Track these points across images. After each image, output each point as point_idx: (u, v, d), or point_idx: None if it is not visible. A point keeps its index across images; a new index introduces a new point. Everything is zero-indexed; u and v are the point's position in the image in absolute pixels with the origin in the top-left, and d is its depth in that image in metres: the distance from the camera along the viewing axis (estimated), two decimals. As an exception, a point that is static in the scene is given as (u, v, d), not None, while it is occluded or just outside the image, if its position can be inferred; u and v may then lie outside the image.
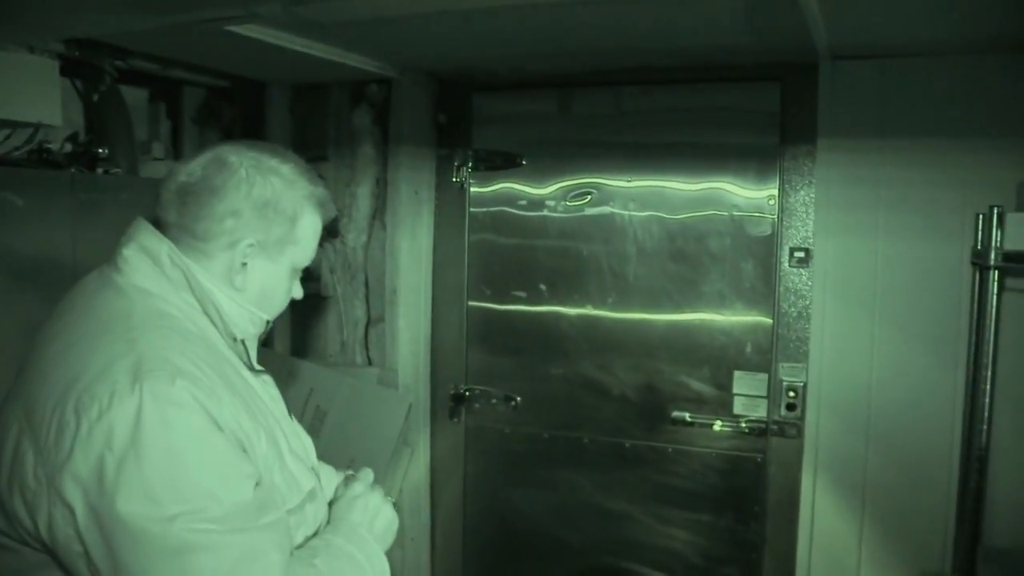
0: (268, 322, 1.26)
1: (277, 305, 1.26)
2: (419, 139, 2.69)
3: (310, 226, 1.21)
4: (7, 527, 1.01)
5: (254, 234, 1.15)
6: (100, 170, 2.28)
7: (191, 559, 0.94)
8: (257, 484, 1.05)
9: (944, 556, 2.24)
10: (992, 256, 1.92)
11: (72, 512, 0.95)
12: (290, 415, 1.31)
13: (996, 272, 1.93)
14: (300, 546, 1.16)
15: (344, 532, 1.21)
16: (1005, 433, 2.14)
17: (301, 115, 2.76)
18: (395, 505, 1.34)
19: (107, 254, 1.55)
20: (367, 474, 1.35)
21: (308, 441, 1.34)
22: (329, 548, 1.15)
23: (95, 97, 2.29)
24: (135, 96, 2.57)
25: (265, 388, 1.23)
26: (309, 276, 2.04)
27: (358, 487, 1.30)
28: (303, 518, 1.18)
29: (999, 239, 1.92)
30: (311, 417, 2.57)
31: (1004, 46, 2.10)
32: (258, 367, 1.24)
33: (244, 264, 1.16)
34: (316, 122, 2.74)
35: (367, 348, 2.69)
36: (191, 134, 2.72)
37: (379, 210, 2.68)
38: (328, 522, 1.25)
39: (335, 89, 2.71)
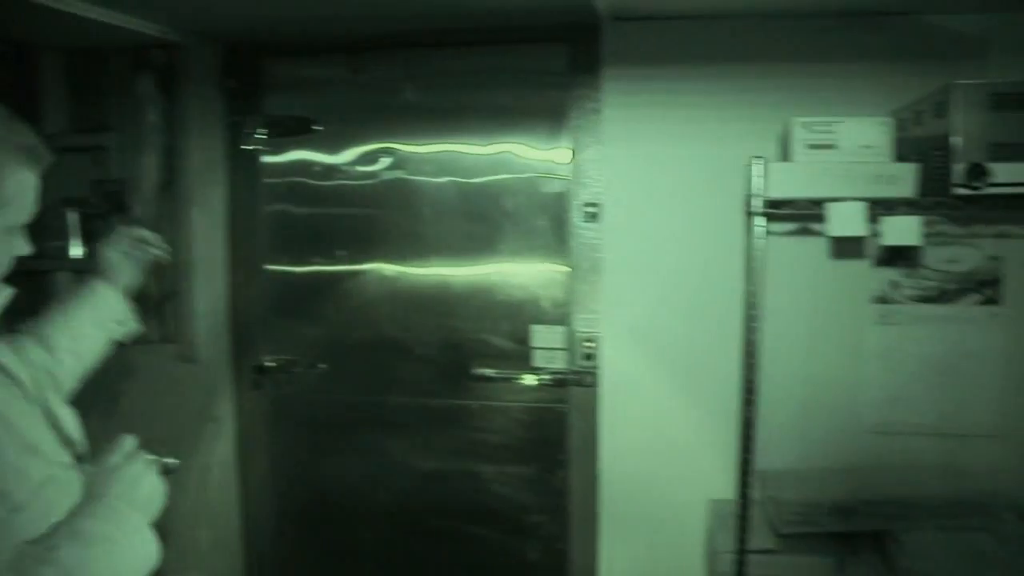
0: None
1: None
2: (208, 106, 2.68)
3: (19, 182, 1.16)
4: None
5: None
6: None
7: None
8: None
9: (732, 484, 2.49)
10: (757, 203, 2.15)
11: None
12: (32, 399, 1.26)
13: (761, 217, 2.17)
14: (45, 535, 1.11)
15: (97, 512, 1.16)
16: (779, 364, 2.43)
17: (79, 81, 2.69)
18: (168, 467, 1.31)
19: None
20: (125, 442, 1.30)
21: (70, 417, 1.32)
22: (75, 535, 1.10)
23: None
24: None
25: None
26: (92, 252, 2.07)
27: (115, 458, 1.26)
28: (41, 510, 1.13)
29: (763, 188, 2.17)
30: (104, 400, 2.57)
31: (765, 12, 2.36)
32: None
33: None
34: (96, 89, 2.67)
35: (163, 324, 2.72)
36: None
37: (169, 180, 2.69)
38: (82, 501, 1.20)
39: (115, 55, 2.66)
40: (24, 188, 1.17)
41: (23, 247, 1.25)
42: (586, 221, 2.55)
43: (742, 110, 2.42)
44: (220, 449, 2.75)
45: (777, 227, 2.41)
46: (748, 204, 2.17)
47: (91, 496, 1.20)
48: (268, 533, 2.90)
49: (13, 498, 1.09)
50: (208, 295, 2.72)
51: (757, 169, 2.13)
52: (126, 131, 2.66)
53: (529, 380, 2.65)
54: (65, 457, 1.25)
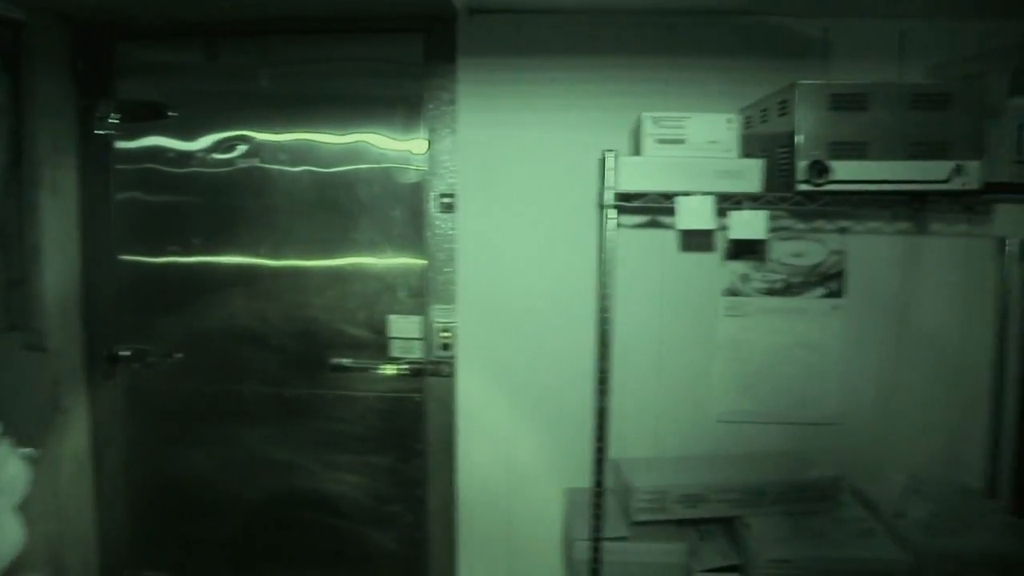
0: None
1: None
2: (57, 88, 2.64)
3: None
4: None
5: None
6: None
7: None
8: None
9: (585, 472, 2.59)
10: (607, 196, 2.22)
11: None
12: None
13: (612, 210, 2.23)
14: None
15: None
16: (631, 354, 2.55)
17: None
18: (30, 455, 1.36)
19: None
20: None
21: None
22: None
23: None
24: None
25: None
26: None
27: None
28: None
29: (613, 181, 2.24)
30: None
31: (619, 8, 2.44)
32: None
33: None
34: (-66, 69, 2.65)
35: (8, 312, 2.69)
36: None
37: (15, 164, 2.67)
38: None
39: (-46, 32, 2.64)
40: None
41: None
42: (442, 212, 2.60)
43: (595, 104, 2.51)
44: (72, 441, 2.74)
45: (628, 220, 2.49)
46: (600, 197, 2.23)
47: None
48: (123, 525, 2.89)
49: None
50: (58, 282, 2.68)
51: (609, 162, 2.19)
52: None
53: (386, 370, 2.69)
54: None
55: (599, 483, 2.30)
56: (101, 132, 2.70)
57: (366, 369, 2.68)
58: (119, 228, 2.76)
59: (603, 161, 2.18)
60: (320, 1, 2.42)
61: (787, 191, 2.06)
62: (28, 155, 2.60)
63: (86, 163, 2.74)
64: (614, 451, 2.45)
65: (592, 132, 2.49)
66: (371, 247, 2.64)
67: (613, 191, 2.20)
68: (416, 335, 2.64)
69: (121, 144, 2.72)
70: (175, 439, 2.83)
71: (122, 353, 2.79)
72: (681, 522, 2.34)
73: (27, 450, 1.35)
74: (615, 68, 2.49)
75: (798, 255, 2.55)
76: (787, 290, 2.54)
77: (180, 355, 2.78)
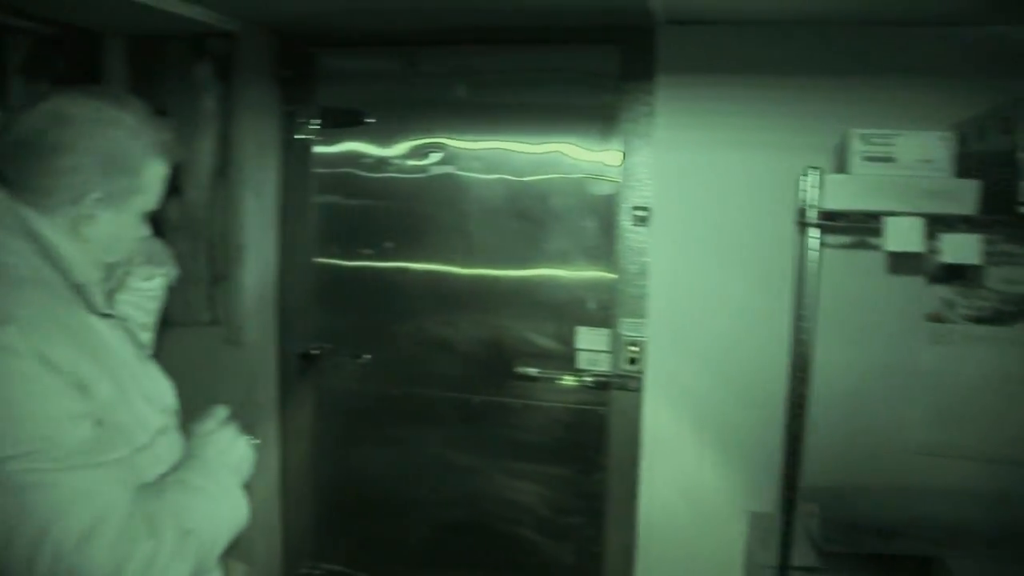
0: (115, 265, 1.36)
1: (125, 248, 1.37)
2: (263, 95, 2.76)
3: (155, 173, 1.29)
4: None
5: (99, 188, 1.21)
6: None
7: (26, 498, 1.02)
8: (98, 423, 1.13)
9: (773, 497, 2.51)
10: (811, 214, 2.16)
11: None
12: (144, 357, 1.40)
13: (815, 229, 2.17)
14: (153, 483, 1.25)
15: (196, 467, 1.31)
16: (826, 378, 2.41)
17: (140, 68, 2.80)
18: (254, 441, 1.45)
19: None
20: (219, 411, 1.44)
21: (165, 383, 1.43)
22: (180, 483, 1.26)
23: None
24: None
25: (112, 331, 1.30)
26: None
27: (210, 424, 1.40)
28: (155, 456, 1.27)
29: (818, 199, 2.18)
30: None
31: (822, 19, 2.36)
32: (105, 310, 1.31)
33: (91, 217, 1.22)
34: (155, 76, 2.77)
35: (212, 307, 2.85)
36: (17, 85, 2.79)
37: (222, 167, 2.81)
38: (183, 459, 1.35)
39: (175, 42, 2.74)
40: (157, 178, 1.31)
41: (145, 230, 1.40)
42: (634, 224, 2.59)
43: (797, 119, 2.43)
44: (262, 434, 2.87)
45: (828, 240, 2.42)
46: (801, 215, 2.17)
47: (190, 455, 1.35)
48: (306, 518, 3.00)
49: (137, 440, 1.23)
50: (256, 280, 2.81)
51: (812, 180, 2.13)
52: (183, 117, 2.77)
53: (571, 381, 2.70)
54: (171, 415, 1.40)
55: (789, 510, 2.24)
56: (302, 137, 2.80)
57: (551, 379, 2.70)
58: (315, 230, 2.87)
59: (805, 178, 2.12)
60: (517, 13, 2.44)
61: (1006, 213, 1.95)
62: (235, 158, 2.74)
63: (287, 167, 2.85)
64: (804, 476, 2.39)
65: (791, 149, 2.40)
66: (562, 257, 2.66)
67: (816, 209, 2.13)
68: (603, 348, 2.65)
69: (320, 149, 2.83)
70: (360, 438, 2.92)
71: (313, 352, 2.89)
72: (873, 557, 2.23)
73: (252, 438, 1.45)
74: (816, 82, 2.41)
75: (1012, 281, 2.43)
76: (998, 318, 2.42)
77: (369, 356, 2.86)
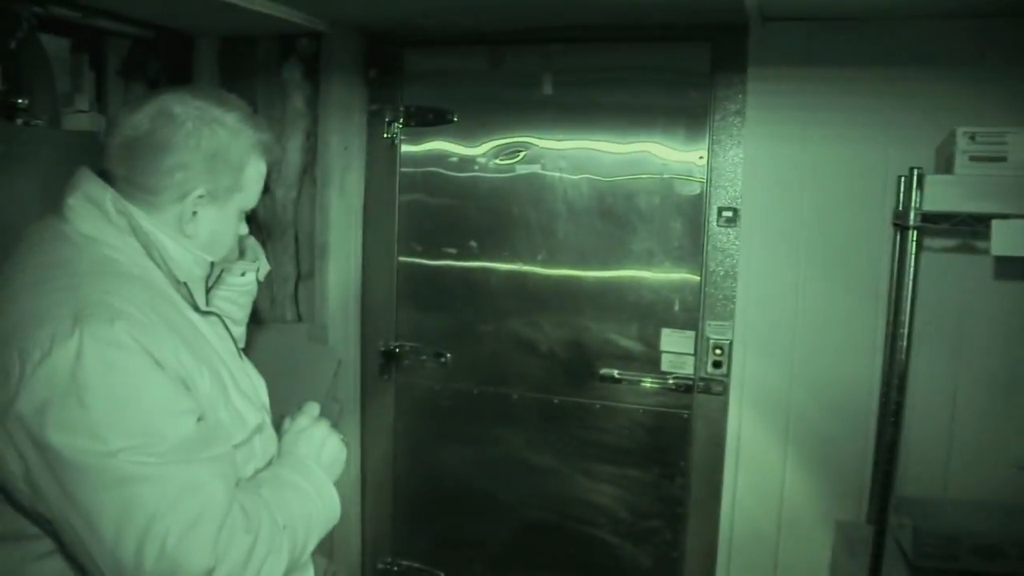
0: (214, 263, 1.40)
1: (226, 247, 1.40)
2: (350, 94, 2.81)
3: (256, 172, 1.32)
4: None
5: (203, 185, 1.25)
6: (20, 121, 2.35)
7: (134, 490, 1.03)
8: (200, 419, 1.16)
9: (860, 507, 2.46)
10: (911, 216, 2.08)
11: (20, 452, 1.06)
12: (240, 355, 1.44)
13: (915, 232, 2.08)
14: (249, 479, 1.29)
15: (290, 464, 1.34)
16: (921, 387, 2.36)
17: (230, 68, 2.89)
18: (343, 439, 1.48)
19: (41, 206, 1.73)
20: (312, 407, 1.47)
21: (259, 380, 1.46)
22: (275, 479, 1.29)
23: (12, 44, 2.34)
24: (56, 46, 2.65)
25: (212, 328, 1.35)
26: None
27: (303, 420, 1.43)
28: (251, 452, 1.31)
29: (919, 200, 2.10)
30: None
31: (923, 12, 2.27)
32: (205, 308, 1.36)
33: (194, 213, 1.26)
34: (245, 75, 2.86)
35: (297, 304, 2.90)
36: (116, 86, 2.88)
37: (309, 165, 2.85)
38: (277, 456, 1.38)
39: (264, 42, 2.83)
40: (258, 178, 1.34)
41: (244, 227, 1.44)
42: (722, 225, 2.56)
43: (895, 117, 2.37)
44: (345, 431, 2.91)
45: (929, 242, 2.36)
46: (900, 217, 2.12)
47: (284, 452, 1.39)
48: (385, 514, 3.04)
49: (235, 437, 1.27)
50: (341, 278, 2.86)
51: (912, 180, 2.06)
52: (271, 116, 2.83)
53: (654, 384, 2.69)
54: (265, 412, 1.43)
55: (882, 521, 2.18)
56: (387, 136, 2.83)
57: (634, 381, 2.69)
58: (400, 229, 2.90)
59: (906, 179, 2.05)
60: (605, 10, 2.43)
61: None
62: (321, 157, 2.78)
63: (372, 165, 2.90)
64: (896, 487, 2.33)
65: (887, 148, 2.36)
66: (647, 258, 2.65)
67: (917, 211, 2.07)
68: (688, 350, 2.63)
69: (406, 148, 2.86)
70: (440, 436, 2.95)
71: (396, 349, 2.93)
72: (970, 574, 2.14)
73: (343, 436, 1.47)
74: (915, 78, 2.34)
75: None
76: (1109, 328, 2.33)
77: (450, 355, 2.88)
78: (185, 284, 1.32)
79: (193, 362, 1.20)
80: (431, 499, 2.98)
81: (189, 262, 1.32)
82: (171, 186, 1.23)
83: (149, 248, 1.26)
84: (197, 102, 1.24)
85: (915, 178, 2.04)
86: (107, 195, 1.24)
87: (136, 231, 1.25)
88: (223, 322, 1.41)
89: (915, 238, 2.07)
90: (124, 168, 1.26)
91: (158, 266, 1.27)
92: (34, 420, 1.05)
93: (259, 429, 1.34)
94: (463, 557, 2.96)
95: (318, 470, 1.37)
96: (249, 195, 1.34)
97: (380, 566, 3.01)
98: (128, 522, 1.05)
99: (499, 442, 2.85)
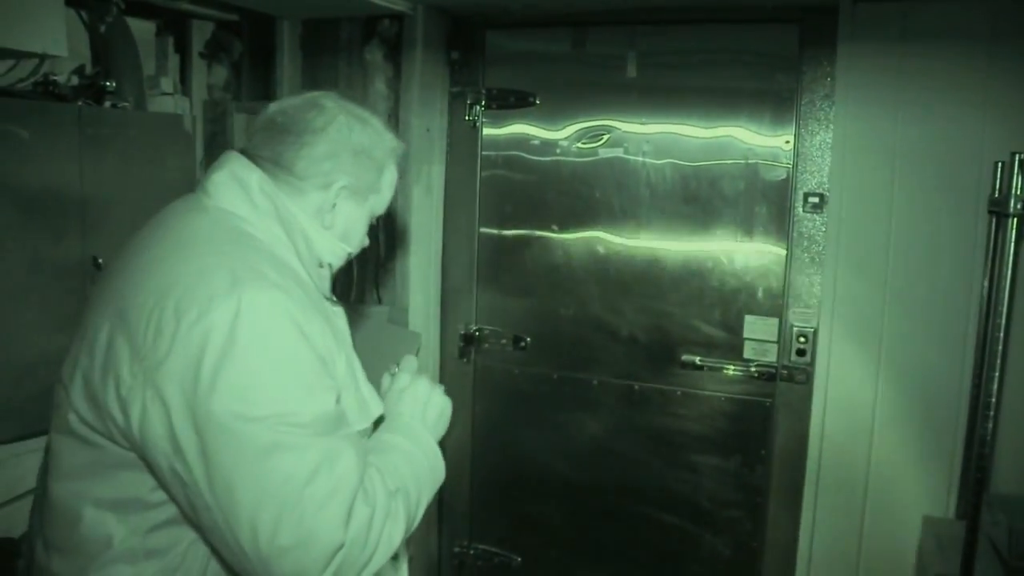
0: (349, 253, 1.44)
1: (356, 245, 1.44)
2: (431, 76, 2.84)
3: (391, 177, 1.40)
4: (96, 420, 1.16)
5: (347, 177, 1.30)
6: (108, 104, 2.43)
7: (278, 457, 1.05)
8: (337, 400, 1.20)
9: (948, 502, 2.43)
10: (1012, 203, 2.03)
11: (167, 409, 1.06)
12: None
13: (1015, 220, 2.04)
14: None
15: (395, 427, 1.35)
16: (1015, 380, 2.32)
17: (312, 50, 2.94)
18: (446, 392, 1.47)
19: (116, 187, 1.79)
20: (410, 362, 1.48)
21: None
22: (381, 444, 1.31)
23: (102, 28, 2.42)
24: (142, 29, 2.73)
25: (338, 316, 1.38)
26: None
27: (404, 378, 1.43)
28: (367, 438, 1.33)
29: (1019, 186, 2.05)
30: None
31: None
32: (331, 297, 1.40)
33: (334, 205, 1.31)
34: (327, 57, 2.91)
35: (377, 288, 2.97)
36: (199, 68, 2.96)
37: (392, 148, 2.92)
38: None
39: (346, 24, 2.87)
40: (391, 184, 1.42)
41: (367, 239, 1.49)
42: (809, 211, 2.56)
43: (988, 99, 2.33)
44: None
45: (1026, 231, 2.32)
46: (998, 204, 2.09)
47: (389, 413, 1.40)
48: (463, 498, 3.09)
49: (359, 423, 1.30)
50: (421, 262, 2.90)
51: (1014, 165, 2.01)
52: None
53: (737, 371, 2.70)
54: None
55: (975, 518, 2.15)
56: (469, 119, 2.87)
57: (717, 368, 2.70)
58: (479, 212, 2.94)
59: (1007, 164, 2.01)
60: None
61: None
62: (403, 139, 2.81)
63: (453, 148, 2.94)
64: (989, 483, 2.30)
65: (982, 131, 2.32)
66: (731, 244, 2.65)
67: (1019, 198, 2.04)
68: (772, 338, 2.63)
69: (487, 130, 2.89)
70: (518, 420, 2.99)
71: (476, 333, 2.98)
72: None
73: (444, 388, 1.47)
74: (1017, 57, 2.28)
75: None
76: None
77: (530, 339, 2.92)
78: (329, 265, 1.38)
79: (333, 344, 1.24)
80: (508, 484, 3.02)
81: (329, 250, 1.37)
82: (319, 173, 1.29)
83: (291, 231, 1.30)
84: (344, 101, 1.33)
85: (1016, 163, 1.99)
86: (254, 176, 1.30)
87: (280, 212, 1.29)
88: (345, 314, 1.44)
89: (1015, 226, 2.03)
90: (272, 151, 1.32)
91: (297, 250, 1.31)
92: (187, 376, 1.08)
93: (377, 423, 1.36)
94: (539, 542, 3.00)
95: (423, 431, 1.37)
96: (382, 199, 1.40)
97: (456, 549, 3.08)
98: (268, 491, 1.09)
99: (578, 428, 2.88)
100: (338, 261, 1.41)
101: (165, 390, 1.09)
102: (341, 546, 1.10)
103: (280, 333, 1.13)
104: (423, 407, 1.40)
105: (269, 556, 1.08)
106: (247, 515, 1.08)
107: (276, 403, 1.10)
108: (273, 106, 1.33)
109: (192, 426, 1.08)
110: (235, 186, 1.29)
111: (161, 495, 1.17)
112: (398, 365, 1.46)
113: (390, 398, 1.40)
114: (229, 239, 1.23)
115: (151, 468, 1.14)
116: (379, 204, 1.40)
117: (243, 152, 1.33)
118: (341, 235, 1.39)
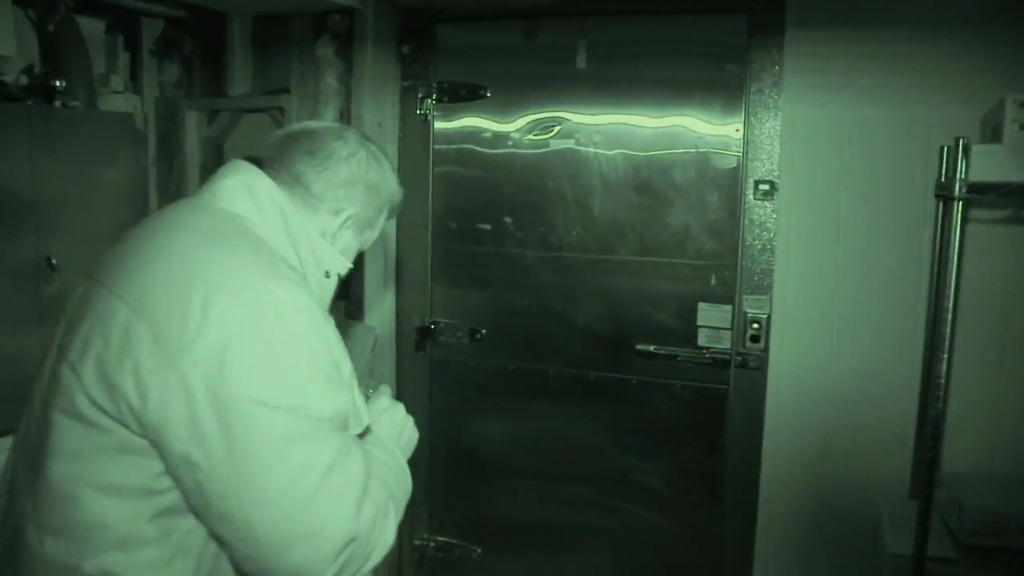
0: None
1: (345, 270, 1.46)
2: (382, 71, 2.84)
3: (383, 220, 1.46)
4: (108, 403, 1.14)
5: (356, 208, 1.35)
6: (58, 103, 2.42)
7: (300, 447, 1.07)
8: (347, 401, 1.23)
9: (902, 482, 2.47)
10: (957, 187, 2.05)
11: (190, 394, 1.06)
12: None
13: (960, 203, 2.06)
14: None
15: (376, 443, 1.37)
16: (964, 361, 2.36)
17: (263, 46, 2.94)
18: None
19: (68, 187, 1.77)
20: (386, 389, 1.53)
21: None
22: (367, 457, 1.32)
23: (50, 27, 2.42)
24: (91, 27, 2.73)
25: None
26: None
27: (384, 401, 1.47)
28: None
29: (964, 170, 2.07)
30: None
31: None
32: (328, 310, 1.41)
33: (338, 232, 1.35)
34: (278, 53, 2.91)
35: (333, 282, 2.96)
36: (150, 66, 2.95)
37: (341, 143, 2.91)
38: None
39: (297, 19, 2.86)
40: (381, 226, 1.49)
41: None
42: (759, 198, 2.58)
43: (936, 84, 2.37)
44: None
45: (974, 214, 2.36)
46: (944, 188, 2.11)
47: (371, 430, 1.41)
48: (421, 491, 3.04)
49: (354, 429, 1.29)
50: (375, 256, 2.90)
51: (958, 150, 2.03)
52: (305, 93, 2.88)
53: (691, 359, 2.71)
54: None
55: (926, 497, 2.18)
56: (420, 113, 2.88)
57: (671, 356, 2.72)
58: (433, 205, 2.94)
59: (951, 149, 2.03)
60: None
61: None
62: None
63: (405, 142, 2.94)
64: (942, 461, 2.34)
65: (929, 116, 2.36)
66: (684, 232, 2.67)
67: (964, 182, 2.06)
68: (725, 325, 2.65)
69: (439, 124, 2.89)
70: (476, 413, 3.00)
71: (431, 326, 2.98)
72: (1019, 552, 2.10)
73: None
74: (963, 42, 2.33)
75: None
76: None
77: (486, 331, 2.93)
78: (338, 275, 1.40)
79: (340, 349, 1.25)
80: (467, 475, 3.03)
81: (334, 263, 1.39)
82: (334, 198, 1.33)
83: (297, 240, 1.32)
84: (364, 139, 1.40)
85: (960, 148, 2.02)
86: (264, 184, 1.32)
87: (288, 221, 1.31)
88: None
89: (960, 209, 2.06)
90: (294, 167, 1.36)
91: (301, 258, 1.33)
92: (213, 363, 1.09)
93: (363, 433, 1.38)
94: (499, 533, 3.01)
95: (397, 451, 1.41)
96: (372, 236, 1.45)
97: (417, 542, 3.08)
98: (289, 478, 1.10)
99: (535, 418, 2.89)
100: (342, 272, 1.43)
101: (189, 376, 1.09)
102: (353, 539, 1.13)
103: (305, 328, 1.16)
104: (399, 431, 1.45)
105: (284, 544, 1.10)
106: (266, 501, 1.10)
107: (300, 395, 1.13)
108: (296, 125, 1.39)
109: (215, 413, 1.09)
110: (244, 192, 1.31)
111: (165, 482, 1.16)
112: (373, 379, 1.51)
113: (371, 415, 1.43)
114: (243, 236, 1.25)
115: (162, 454, 1.14)
116: (368, 240, 1.45)
117: (251, 160, 1.36)
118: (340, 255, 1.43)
